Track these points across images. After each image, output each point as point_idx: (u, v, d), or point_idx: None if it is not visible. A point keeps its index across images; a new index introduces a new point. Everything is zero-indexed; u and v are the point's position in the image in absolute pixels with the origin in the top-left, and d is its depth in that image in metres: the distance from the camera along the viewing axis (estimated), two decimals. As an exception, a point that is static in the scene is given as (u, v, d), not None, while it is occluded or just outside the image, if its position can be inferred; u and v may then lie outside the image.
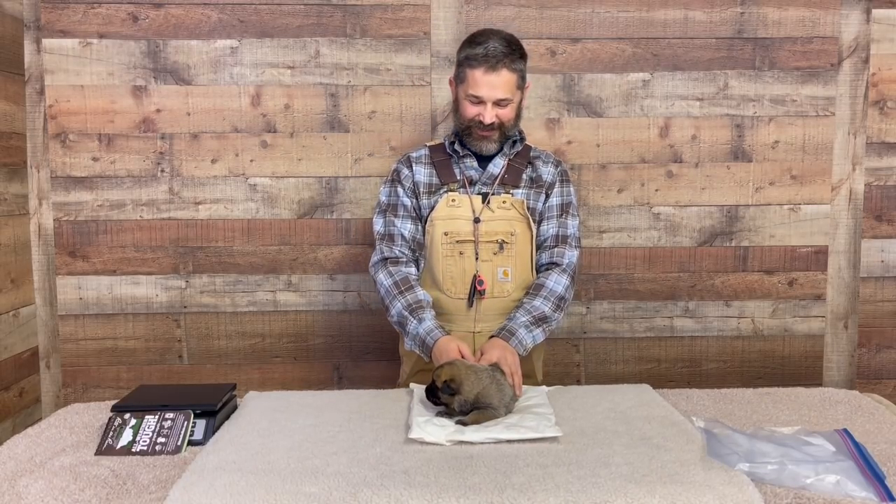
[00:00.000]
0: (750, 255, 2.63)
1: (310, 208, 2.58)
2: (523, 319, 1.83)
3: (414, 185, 1.96)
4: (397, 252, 1.92)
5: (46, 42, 2.51)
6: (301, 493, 1.21)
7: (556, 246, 1.96)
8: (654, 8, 2.55)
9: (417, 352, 1.83)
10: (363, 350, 2.63)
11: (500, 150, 1.94)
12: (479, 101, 1.84)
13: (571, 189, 2.01)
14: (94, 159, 2.55)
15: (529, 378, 1.97)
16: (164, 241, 2.58)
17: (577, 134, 2.58)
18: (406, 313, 1.83)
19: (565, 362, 2.66)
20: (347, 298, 2.62)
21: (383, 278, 1.89)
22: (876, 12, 2.56)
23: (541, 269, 1.97)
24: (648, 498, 1.18)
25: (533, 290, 1.90)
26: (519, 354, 1.77)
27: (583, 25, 2.55)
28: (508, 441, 1.43)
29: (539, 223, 1.98)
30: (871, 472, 1.32)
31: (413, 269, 1.92)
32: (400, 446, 1.42)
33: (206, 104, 2.54)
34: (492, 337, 1.81)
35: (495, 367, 1.66)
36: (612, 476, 1.26)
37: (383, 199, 1.99)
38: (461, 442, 1.43)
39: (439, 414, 1.57)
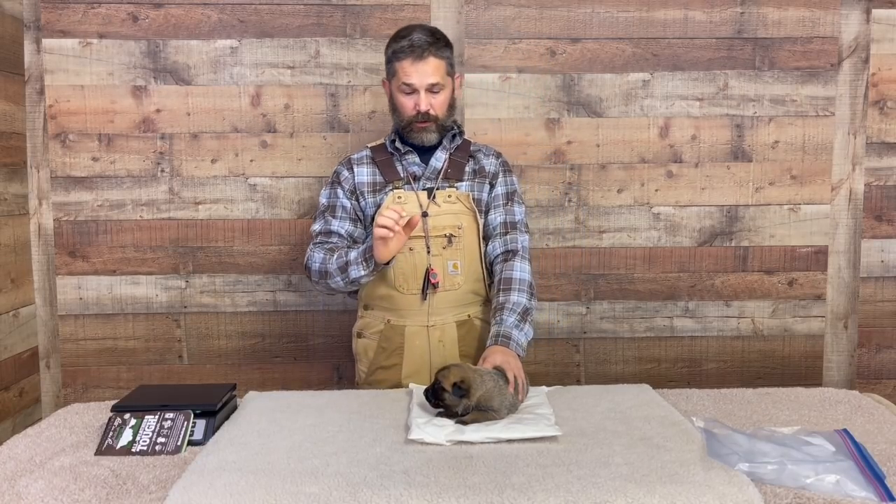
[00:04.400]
0: (750, 255, 2.63)
1: (310, 208, 2.58)
2: (511, 320, 1.82)
3: (355, 186, 1.96)
4: (332, 243, 1.92)
5: (46, 42, 2.51)
6: (301, 493, 1.21)
7: (506, 233, 1.97)
8: (654, 8, 2.55)
9: (372, 271, 1.81)
10: (363, 350, 2.63)
11: (440, 143, 1.96)
12: (412, 91, 1.87)
13: (514, 178, 2.04)
14: (94, 159, 2.55)
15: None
16: (164, 241, 2.58)
17: (577, 134, 2.58)
18: (343, 262, 1.82)
19: (565, 362, 2.66)
20: (347, 298, 2.62)
21: (315, 258, 1.88)
22: (876, 12, 2.56)
23: (496, 258, 1.97)
24: (648, 498, 1.18)
25: (504, 284, 1.89)
26: (518, 356, 1.77)
27: (583, 25, 2.55)
28: (508, 440, 1.43)
29: (486, 213, 1.99)
30: (871, 472, 1.32)
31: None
32: (400, 446, 1.42)
33: (206, 104, 2.54)
34: (490, 344, 1.80)
35: (498, 370, 1.66)
36: (612, 476, 1.26)
37: (323, 201, 1.99)
38: (461, 442, 1.43)
39: (439, 415, 1.56)
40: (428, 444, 1.42)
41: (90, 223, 2.57)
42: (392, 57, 1.89)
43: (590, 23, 2.55)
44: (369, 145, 2.03)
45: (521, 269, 1.91)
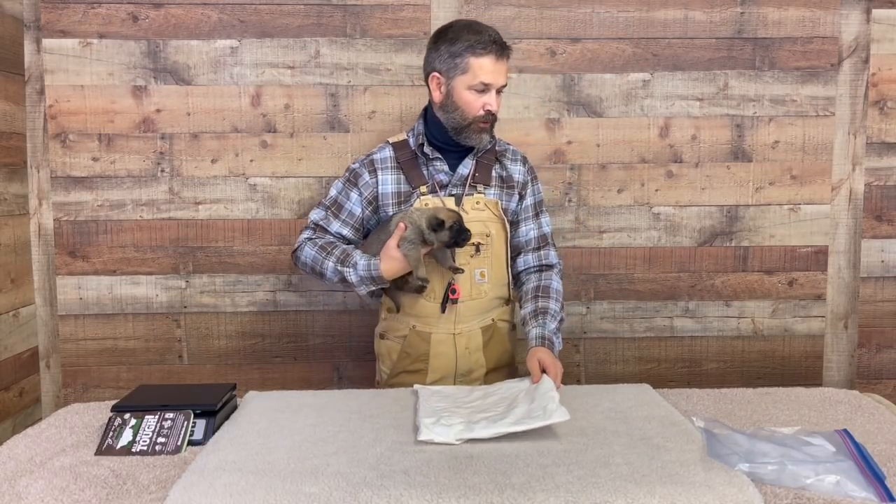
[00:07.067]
0: (750, 255, 2.63)
1: (309, 208, 2.58)
2: (553, 327, 1.85)
3: (377, 195, 1.90)
4: (325, 239, 1.89)
5: (46, 42, 2.51)
6: (301, 493, 1.21)
7: (540, 248, 1.98)
8: (654, 8, 2.55)
9: (373, 287, 1.84)
10: (363, 350, 2.63)
11: (471, 148, 1.90)
12: (484, 90, 1.80)
13: (540, 185, 2.04)
14: (94, 159, 2.55)
15: (509, 367, 2.02)
16: (164, 241, 2.58)
17: (577, 134, 2.58)
18: (339, 268, 1.81)
19: (565, 362, 2.65)
20: (347, 298, 2.62)
21: (308, 251, 1.87)
22: (876, 12, 2.56)
23: (530, 269, 1.98)
24: (648, 498, 1.18)
25: (542, 292, 1.91)
26: None
27: (583, 25, 2.55)
28: (517, 433, 1.43)
29: (516, 224, 1.98)
30: (871, 473, 1.32)
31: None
32: (400, 446, 1.42)
33: (206, 104, 2.54)
34: (536, 345, 1.81)
35: (543, 371, 1.72)
36: (612, 476, 1.26)
37: (332, 193, 1.93)
38: (471, 440, 1.43)
39: (447, 414, 1.56)
40: (438, 444, 1.42)
41: (90, 223, 2.57)
42: (465, 51, 1.78)
43: (590, 23, 2.55)
44: (391, 141, 1.94)
45: (558, 282, 1.95)
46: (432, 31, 2.52)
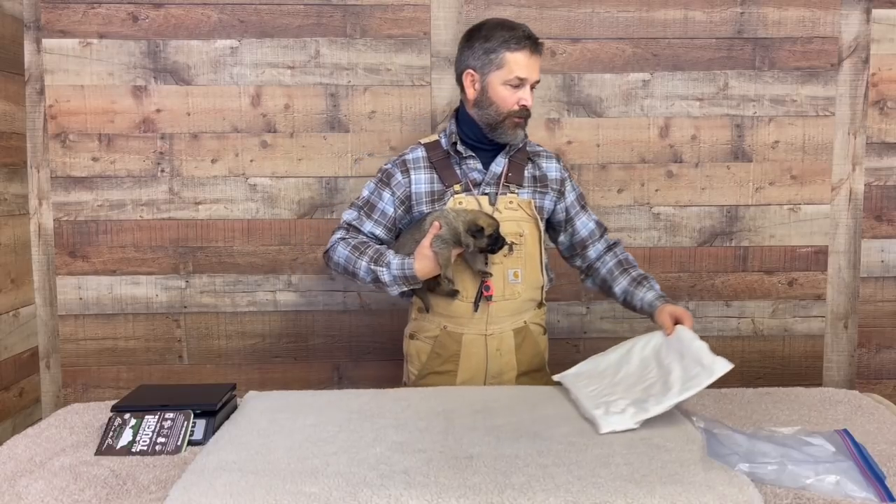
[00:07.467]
0: (750, 255, 2.63)
1: (310, 208, 2.58)
2: (658, 287, 1.93)
3: (410, 195, 1.90)
4: (358, 239, 1.89)
5: (46, 42, 2.51)
6: (301, 493, 1.21)
7: (602, 235, 2.03)
8: (654, 8, 2.55)
9: (406, 287, 1.84)
10: (363, 350, 2.63)
11: (504, 147, 1.91)
12: (519, 85, 1.82)
13: (575, 180, 2.07)
14: (94, 159, 2.55)
15: (540, 371, 2.00)
16: (164, 241, 2.58)
17: (577, 134, 2.58)
18: (373, 267, 1.81)
19: (565, 362, 2.64)
20: (347, 298, 2.62)
21: (341, 251, 1.86)
22: (876, 12, 2.56)
23: (601, 254, 2.02)
24: (648, 498, 1.18)
25: (628, 264, 1.99)
26: None
27: (583, 25, 2.55)
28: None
29: (570, 222, 2.00)
30: (871, 473, 1.32)
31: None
32: (400, 446, 1.42)
33: (206, 104, 2.54)
34: (661, 304, 1.86)
35: (678, 323, 1.75)
36: (612, 476, 1.26)
37: (365, 194, 1.93)
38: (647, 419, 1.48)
39: (607, 397, 1.58)
40: (619, 431, 1.46)
41: (90, 223, 2.57)
42: (501, 46, 1.80)
43: (590, 23, 2.55)
44: (423, 142, 1.94)
45: (630, 254, 2.02)
46: (432, 31, 2.54)
